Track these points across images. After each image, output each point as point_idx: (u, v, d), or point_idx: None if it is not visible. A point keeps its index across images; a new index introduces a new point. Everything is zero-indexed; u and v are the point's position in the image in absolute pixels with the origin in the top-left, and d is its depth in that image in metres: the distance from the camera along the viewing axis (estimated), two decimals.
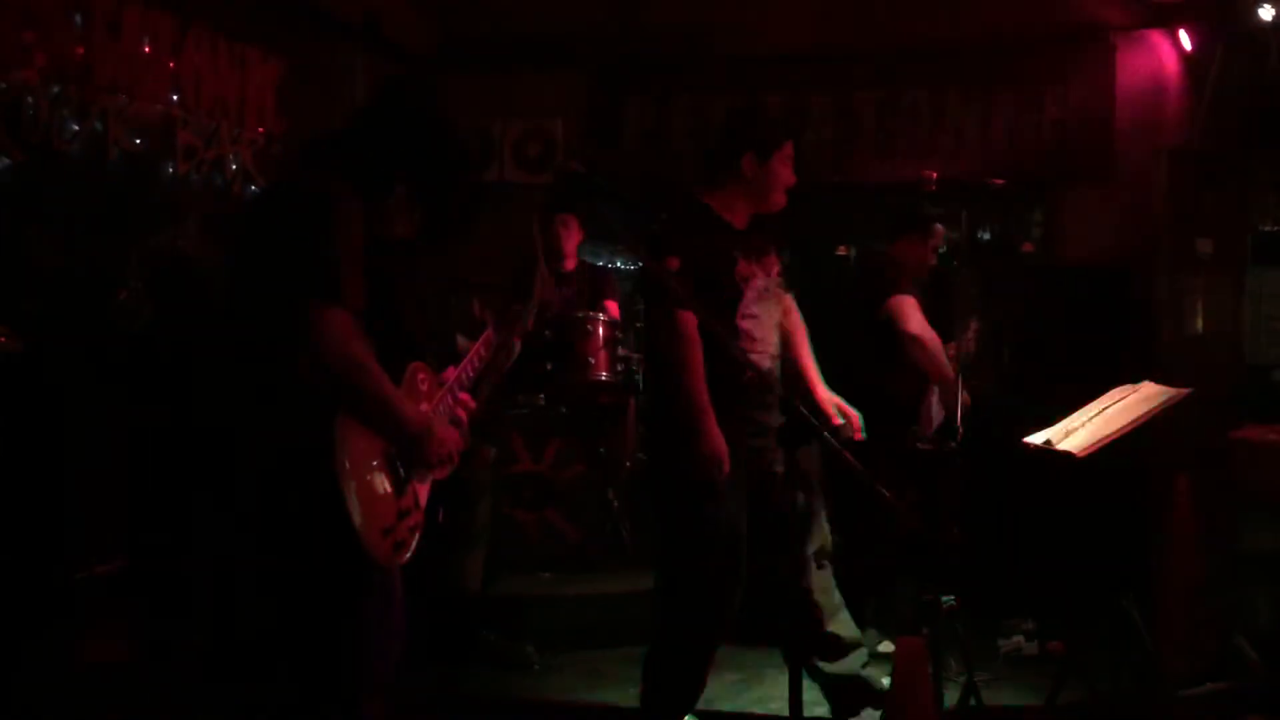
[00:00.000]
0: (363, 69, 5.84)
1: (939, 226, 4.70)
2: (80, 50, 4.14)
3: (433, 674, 4.39)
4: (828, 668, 3.70)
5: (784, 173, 3.58)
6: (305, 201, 2.38)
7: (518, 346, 4.75)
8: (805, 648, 3.65)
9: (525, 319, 4.48)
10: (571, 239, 5.47)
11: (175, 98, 4.59)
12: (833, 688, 3.75)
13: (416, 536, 2.52)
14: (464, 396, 2.74)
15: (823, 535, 3.74)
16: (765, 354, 3.59)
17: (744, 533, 3.51)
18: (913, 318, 4.45)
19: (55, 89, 4.04)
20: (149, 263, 4.41)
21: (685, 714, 3.70)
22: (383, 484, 2.41)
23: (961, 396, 3.98)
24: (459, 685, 4.43)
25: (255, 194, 4.88)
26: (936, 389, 4.65)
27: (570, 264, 5.52)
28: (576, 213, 5.41)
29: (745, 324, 3.53)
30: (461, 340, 4.90)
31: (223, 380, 2.50)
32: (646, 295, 3.71)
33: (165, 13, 4.54)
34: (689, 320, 3.39)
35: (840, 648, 3.71)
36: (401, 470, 2.47)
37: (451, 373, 2.75)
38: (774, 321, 3.67)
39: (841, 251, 6.46)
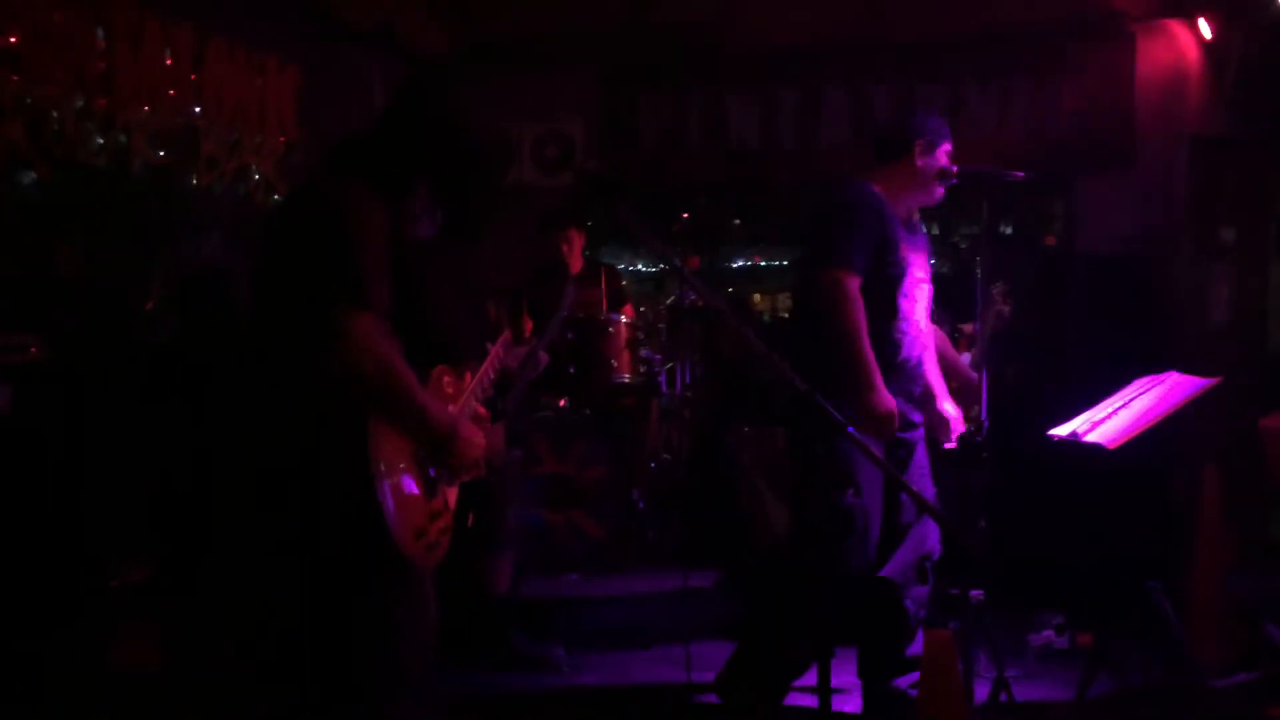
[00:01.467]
0: (379, 75, 5.87)
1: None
2: (102, 64, 4.17)
3: (462, 677, 4.40)
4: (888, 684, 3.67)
5: (946, 164, 3.66)
6: (329, 206, 2.39)
7: (545, 358, 4.79)
8: (887, 661, 3.64)
9: (553, 332, 4.53)
10: (575, 250, 5.50)
11: (197, 109, 4.62)
12: (881, 698, 3.71)
13: (447, 538, 2.54)
14: (481, 410, 2.74)
15: (927, 545, 3.70)
16: (917, 340, 3.63)
17: (875, 524, 3.52)
18: None
19: (79, 102, 4.07)
20: (174, 273, 4.44)
21: (780, 689, 3.71)
22: (413, 486, 2.43)
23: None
24: (489, 689, 4.44)
25: (280, 201, 4.91)
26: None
27: (576, 268, 5.53)
28: (578, 225, 5.43)
29: (904, 303, 3.59)
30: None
31: (252, 387, 2.51)
32: (815, 257, 3.66)
33: (185, 24, 4.57)
34: (854, 282, 3.46)
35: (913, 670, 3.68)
36: (431, 472, 2.49)
37: (469, 378, 2.76)
38: (926, 313, 3.71)
39: None
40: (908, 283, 3.59)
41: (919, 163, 3.64)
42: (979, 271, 3.87)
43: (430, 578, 2.57)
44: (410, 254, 2.49)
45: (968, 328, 4.63)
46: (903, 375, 3.58)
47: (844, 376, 3.43)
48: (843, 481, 3.40)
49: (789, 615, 3.62)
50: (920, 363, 3.66)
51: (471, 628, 4.51)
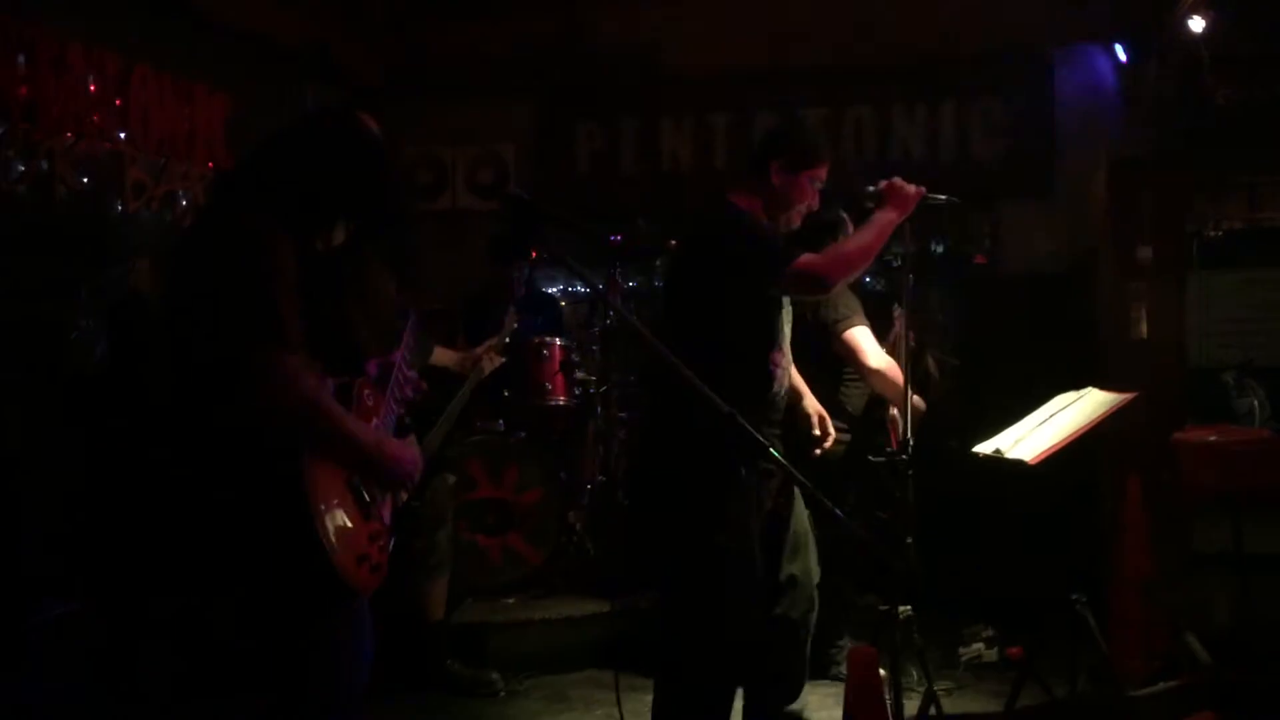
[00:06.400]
0: (311, 99, 5.84)
1: (844, 216, 4.59)
2: (24, 90, 4.12)
3: (398, 703, 4.38)
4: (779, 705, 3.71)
5: (809, 193, 3.47)
6: (236, 242, 2.35)
7: (497, 361, 4.78)
8: (767, 680, 3.66)
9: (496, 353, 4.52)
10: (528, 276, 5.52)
11: (123, 135, 4.58)
12: None
13: (387, 555, 2.54)
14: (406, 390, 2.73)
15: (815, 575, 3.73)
16: (787, 372, 3.54)
17: (757, 561, 3.39)
18: (870, 351, 4.35)
19: (0, 129, 4.02)
20: (101, 301, 4.39)
21: None
22: (351, 512, 2.42)
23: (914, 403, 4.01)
24: (424, 714, 4.42)
25: (184, 232, 4.85)
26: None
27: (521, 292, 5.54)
28: (533, 245, 5.41)
29: (780, 336, 3.47)
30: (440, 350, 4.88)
31: (179, 424, 2.47)
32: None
33: (110, 50, 4.53)
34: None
35: (799, 686, 3.75)
36: (365, 493, 2.48)
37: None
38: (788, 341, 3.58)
39: None
40: (782, 315, 3.48)
41: (775, 184, 3.44)
42: (900, 295, 3.92)
43: (368, 601, 2.56)
44: (314, 268, 2.46)
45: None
46: (771, 408, 3.46)
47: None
48: (712, 523, 3.27)
49: (682, 668, 3.40)
50: (783, 394, 3.54)
51: (408, 653, 4.48)
